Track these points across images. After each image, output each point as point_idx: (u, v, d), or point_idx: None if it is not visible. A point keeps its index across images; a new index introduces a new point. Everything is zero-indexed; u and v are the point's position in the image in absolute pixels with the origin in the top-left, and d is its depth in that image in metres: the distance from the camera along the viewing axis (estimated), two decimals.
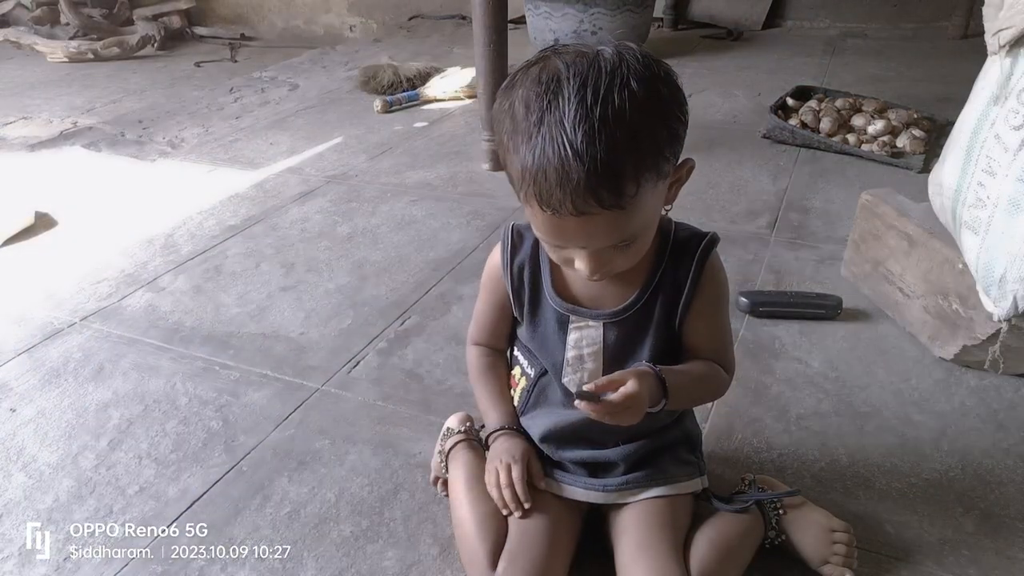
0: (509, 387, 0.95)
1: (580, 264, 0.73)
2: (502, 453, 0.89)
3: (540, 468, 0.89)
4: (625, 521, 0.86)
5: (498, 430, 0.92)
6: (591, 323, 0.84)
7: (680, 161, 0.73)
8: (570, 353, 0.85)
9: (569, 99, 0.64)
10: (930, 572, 0.90)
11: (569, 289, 0.85)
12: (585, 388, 0.74)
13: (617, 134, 0.63)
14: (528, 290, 0.87)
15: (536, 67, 0.68)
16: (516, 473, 0.86)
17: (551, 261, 0.83)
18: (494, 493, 0.87)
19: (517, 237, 0.87)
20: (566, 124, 0.63)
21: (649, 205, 0.70)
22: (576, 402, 0.74)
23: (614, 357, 0.84)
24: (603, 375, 0.82)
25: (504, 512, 0.86)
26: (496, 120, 0.71)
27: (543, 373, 0.89)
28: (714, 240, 0.83)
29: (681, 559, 0.80)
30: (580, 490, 0.88)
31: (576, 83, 0.64)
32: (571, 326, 0.84)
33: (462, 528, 0.88)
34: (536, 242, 0.86)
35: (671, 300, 0.82)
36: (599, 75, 0.64)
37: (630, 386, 0.73)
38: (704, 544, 0.83)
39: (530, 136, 0.65)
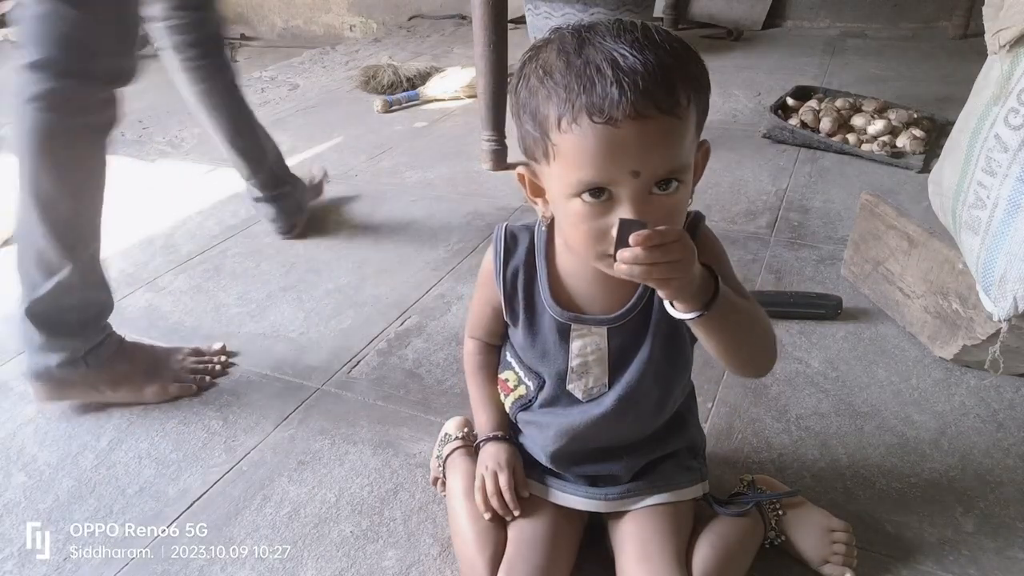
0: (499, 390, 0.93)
1: (625, 215, 0.63)
2: (488, 460, 0.89)
3: (524, 476, 0.89)
4: (626, 529, 0.85)
5: (488, 438, 0.91)
6: (594, 329, 0.81)
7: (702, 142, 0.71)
8: (575, 361, 0.82)
9: (607, 31, 0.63)
10: (930, 572, 0.90)
11: (567, 295, 0.80)
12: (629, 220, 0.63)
13: (664, 47, 0.62)
14: (523, 298, 0.83)
15: (555, 35, 0.67)
16: (503, 481, 0.86)
17: (548, 267, 0.81)
18: (479, 497, 0.86)
19: (511, 240, 0.83)
20: (608, 42, 0.62)
21: (692, 140, 0.66)
22: (618, 254, 0.62)
23: (619, 360, 0.82)
24: (608, 378, 0.82)
25: (486, 516, 0.86)
26: (514, 89, 0.68)
27: (542, 387, 0.86)
28: (700, 216, 0.80)
29: (683, 566, 0.80)
30: (581, 499, 0.88)
31: (609, 25, 0.64)
32: (573, 334, 0.81)
33: (461, 537, 0.87)
34: (531, 246, 0.82)
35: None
36: (630, 23, 0.64)
37: (667, 232, 0.62)
38: (706, 548, 0.83)
39: (568, 63, 0.63)
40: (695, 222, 0.79)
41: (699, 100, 0.65)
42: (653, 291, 0.77)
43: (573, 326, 0.81)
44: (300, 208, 1.82)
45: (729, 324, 0.70)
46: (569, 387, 0.84)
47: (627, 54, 0.61)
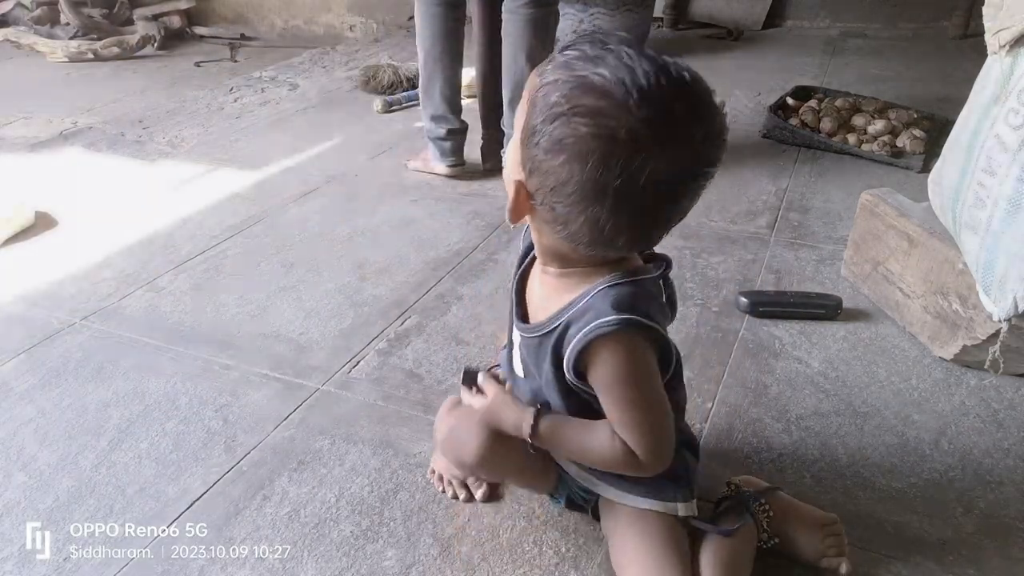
0: None
1: None
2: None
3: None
4: (618, 522, 0.88)
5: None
6: (516, 324, 0.86)
7: (522, 183, 0.70)
8: (513, 336, 0.88)
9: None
10: (930, 572, 0.90)
11: (524, 287, 0.86)
12: (472, 370, 0.88)
13: (581, 54, 0.67)
14: (514, 269, 0.88)
15: None
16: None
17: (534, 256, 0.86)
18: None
19: None
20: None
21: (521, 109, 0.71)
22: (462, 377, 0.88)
23: (526, 367, 0.86)
24: (523, 372, 0.87)
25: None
26: None
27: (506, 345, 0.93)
28: (617, 327, 0.71)
29: (675, 568, 0.82)
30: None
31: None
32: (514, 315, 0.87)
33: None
34: None
35: (559, 348, 0.77)
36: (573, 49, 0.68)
37: (476, 400, 0.85)
38: (710, 560, 0.84)
39: None
40: (598, 331, 0.72)
41: (541, 78, 0.68)
42: (552, 331, 0.78)
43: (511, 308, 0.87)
44: None
45: (558, 452, 0.88)
46: (513, 353, 0.90)
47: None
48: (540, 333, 0.80)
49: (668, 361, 0.80)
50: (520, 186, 0.71)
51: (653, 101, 0.62)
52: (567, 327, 0.76)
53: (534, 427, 0.80)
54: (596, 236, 0.69)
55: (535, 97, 0.67)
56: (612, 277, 0.75)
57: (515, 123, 0.73)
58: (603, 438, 0.78)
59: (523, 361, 0.86)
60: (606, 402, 0.77)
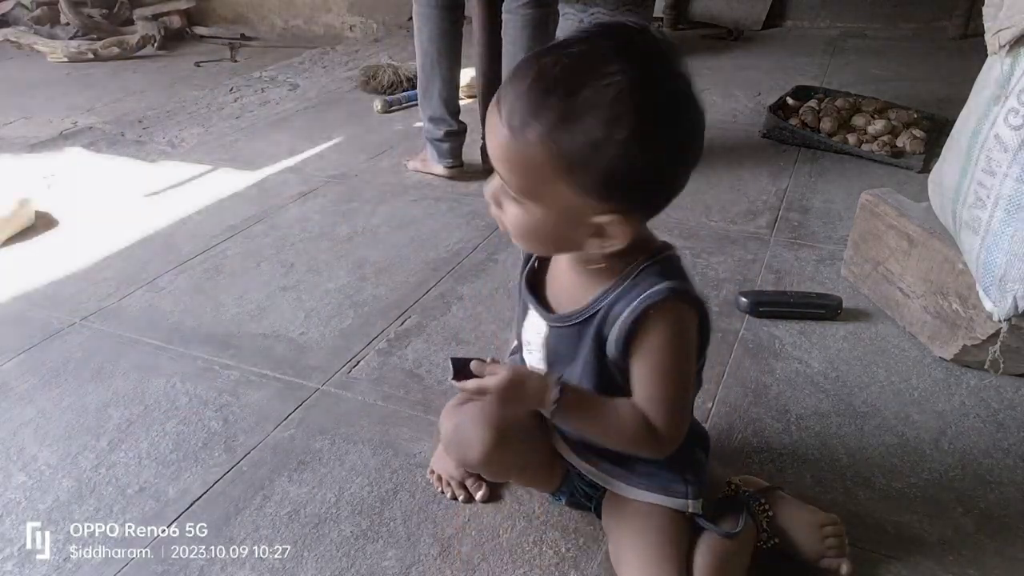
0: None
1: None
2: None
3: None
4: (621, 518, 0.88)
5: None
6: (540, 317, 0.85)
7: (614, 214, 0.69)
8: (525, 335, 0.88)
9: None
10: (930, 572, 0.90)
11: (541, 280, 0.86)
12: (460, 358, 0.78)
13: (552, 91, 0.66)
14: (520, 266, 0.89)
15: None
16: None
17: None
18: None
19: None
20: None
21: (541, 172, 0.67)
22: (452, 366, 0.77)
23: (553, 356, 0.86)
24: (546, 367, 0.86)
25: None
26: None
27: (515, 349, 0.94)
28: (668, 295, 0.73)
29: (674, 565, 0.82)
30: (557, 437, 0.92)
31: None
32: (529, 311, 0.87)
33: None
34: None
35: (601, 329, 0.78)
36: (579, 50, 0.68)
37: (489, 380, 0.75)
38: (705, 558, 0.84)
39: None
40: (654, 299, 0.73)
41: (557, 141, 0.65)
42: (594, 314, 0.78)
43: (529, 306, 0.86)
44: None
45: (579, 429, 0.85)
46: (524, 355, 0.90)
47: (527, 61, 0.69)
48: (579, 320, 0.79)
49: (707, 334, 0.81)
50: (617, 216, 0.69)
51: (648, 54, 0.67)
52: (612, 306, 0.76)
53: (561, 391, 0.76)
54: (671, 193, 0.73)
55: (566, 156, 0.65)
56: (647, 257, 0.77)
57: (531, 189, 0.69)
58: (624, 410, 0.79)
59: (549, 354, 0.85)
60: (640, 373, 0.78)
